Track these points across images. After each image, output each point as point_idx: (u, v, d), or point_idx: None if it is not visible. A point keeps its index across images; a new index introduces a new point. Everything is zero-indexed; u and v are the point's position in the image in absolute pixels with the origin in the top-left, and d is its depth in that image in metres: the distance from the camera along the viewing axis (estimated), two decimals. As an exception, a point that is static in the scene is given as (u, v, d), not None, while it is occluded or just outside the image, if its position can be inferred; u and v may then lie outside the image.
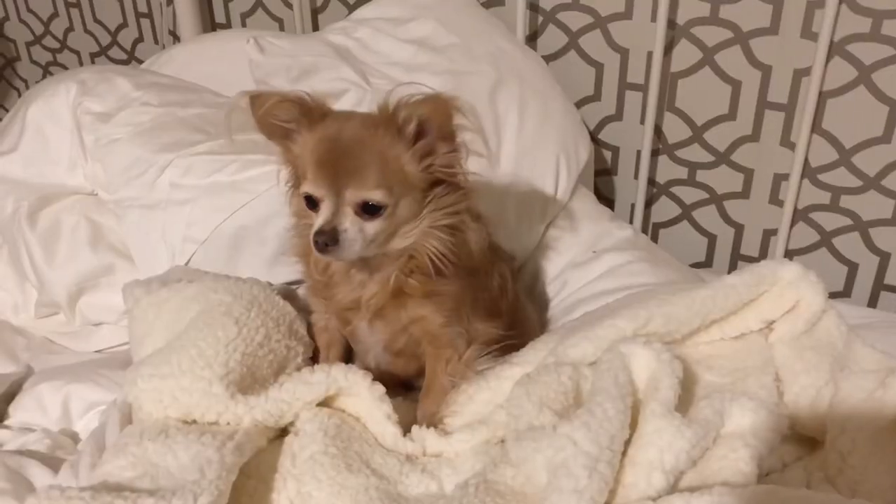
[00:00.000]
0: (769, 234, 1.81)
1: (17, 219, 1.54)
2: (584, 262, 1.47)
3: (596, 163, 1.85)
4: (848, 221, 1.71)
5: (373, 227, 1.02)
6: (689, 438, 0.89)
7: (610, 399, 0.90)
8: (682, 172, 1.85)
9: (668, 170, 1.86)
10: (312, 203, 1.04)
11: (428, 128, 1.01)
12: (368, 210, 1.01)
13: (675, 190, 1.88)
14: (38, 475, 1.12)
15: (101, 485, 0.85)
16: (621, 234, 1.54)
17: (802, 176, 1.69)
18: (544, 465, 0.85)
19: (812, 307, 1.12)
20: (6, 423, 1.28)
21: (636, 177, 1.87)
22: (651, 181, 1.88)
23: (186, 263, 1.44)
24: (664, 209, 1.91)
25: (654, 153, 1.84)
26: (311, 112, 1.05)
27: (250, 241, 1.43)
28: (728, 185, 1.81)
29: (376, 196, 1.00)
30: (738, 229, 1.85)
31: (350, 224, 1.00)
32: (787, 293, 1.12)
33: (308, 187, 1.03)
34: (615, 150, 1.90)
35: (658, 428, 0.90)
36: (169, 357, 1.04)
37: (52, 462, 1.15)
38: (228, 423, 1.01)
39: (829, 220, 1.73)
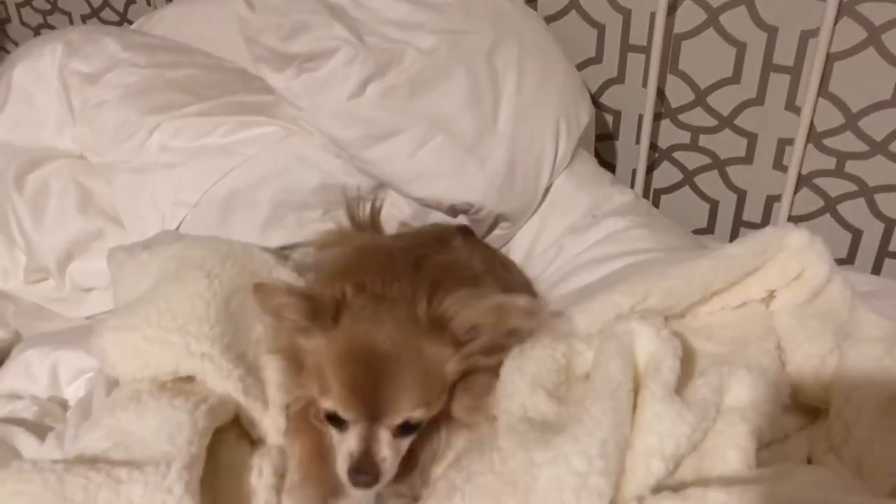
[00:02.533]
0: (772, 200, 1.78)
1: (3, 182, 1.50)
2: (584, 227, 1.43)
3: (597, 127, 1.81)
4: (853, 187, 1.67)
5: (408, 442, 0.90)
6: (689, 423, 0.85)
7: (598, 400, 0.86)
8: (685, 137, 1.81)
9: (670, 134, 1.82)
10: (337, 422, 0.90)
11: (484, 332, 0.91)
12: (405, 429, 0.89)
13: (678, 155, 1.84)
14: (26, 443, 1.10)
15: (76, 458, 0.83)
16: (622, 199, 1.51)
17: (807, 141, 1.65)
18: (533, 476, 0.82)
19: (818, 276, 1.08)
20: (-7, 390, 1.26)
21: (638, 141, 1.83)
22: (653, 146, 1.84)
23: (177, 228, 1.41)
24: (666, 175, 1.87)
25: (657, 117, 1.80)
26: (322, 312, 0.91)
27: (242, 204, 1.40)
28: (731, 150, 1.77)
29: (418, 415, 0.88)
30: (741, 195, 1.81)
31: (388, 450, 0.87)
32: (792, 262, 1.08)
33: (334, 406, 0.88)
34: (616, 114, 1.86)
35: (658, 413, 0.86)
36: (137, 310, 1.03)
37: (39, 430, 1.14)
38: (196, 381, 0.99)
39: (834, 186, 1.69)
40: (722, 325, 1.06)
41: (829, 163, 1.67)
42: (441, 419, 0.96)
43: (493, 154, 1.41)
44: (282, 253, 1.34)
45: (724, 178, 1.81)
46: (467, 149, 1.40)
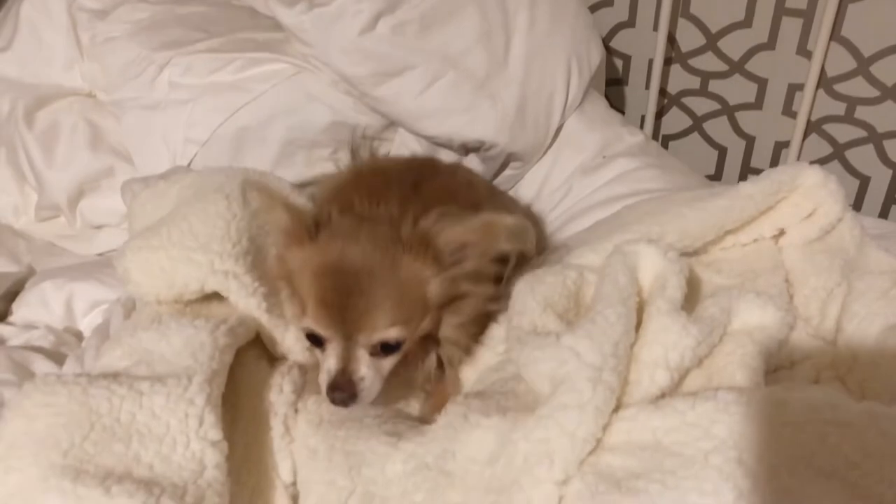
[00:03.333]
0: (781, 146, 1.78)
1: (13, 119, 1.50)
2: (594, 167, 1.44)
3: (607, 72, 1.80)
4: (862, 133, 1.67)
5: (390, 362, 0.90)
6: (694, 336, 0.87)
7: (610, 305, 0.88)
8: (695, 82, 1.80)
9: (680, 79, 1.81)
10: (316, 340, 0.90)
11: (471, 253, 0.88)
12: (385, 349, 0.88)
13: (687, 101, 1.84)
14: (43, 368, 1.12)
15: (99, 374, 0.85)
16: (633, 140, 1.51)
17: (818, 86, 1.64)
18: (548, 377, 0.84)
19: (829, 215, 1.08)
20: (9, 320, 1.27)
21: (647, 87, 1.82)
22: (662, 91, 1.83)
23: (188, 165, 1.41)
24: (675, 121, 1.87)
25: (667, 62, 1.79)
26: (304, 227, 0.89)
27: (252, 142, 1.41)
28: (741, 96, 1.76)
29: (393, 334, 0.87)
30: (750, 141, 1.81)
31: (367, 369, 0.87)
32: (805, 200, 1.08)
33: (310, 325, 0.88)
34: (627, 59, 1.85)
35: (663, 326, 0.88)
36: (159, 230, 1.04)
37: (56, 357, 1.15)
38: (213, 303, 1.00)
39: (843, 132, 1.69)
40: (732, 259, 1.07)
41: (839, 108, 1.66)
42: (431, 344, 0.96)
43: (504, 92, 1.40)
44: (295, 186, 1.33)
45: (733, 123, 1.81)
46: (478, 86, 1.39)
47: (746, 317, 0.91)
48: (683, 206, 1.09)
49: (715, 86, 1.78)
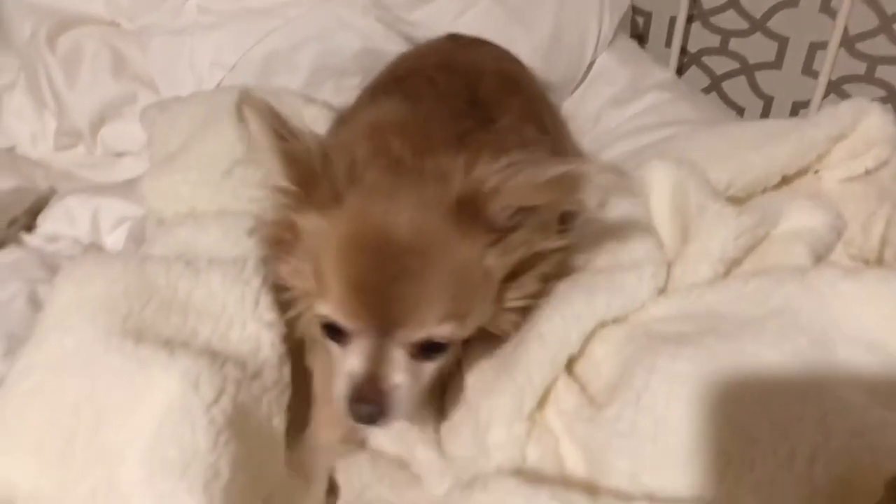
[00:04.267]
0: (799, 106, 1.78)
1: (35, 43, 1.48)
2: (625, 99, 1.45)
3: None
4: (882, 93, 1.68)
5: (433, 367, 0.70)
6: (733, 228, 0.87)
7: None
8: (715, 41, 1.81)
9: (700, 37, 1.82)
10: (335, 333, 0.69)
11: (532, 215, 0.68)
12: (429, 350, 0.68)
13: (706, 59, 1.84)
14: (75, 271, 1.10)
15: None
16: (663, 76, 1.52)
17: (840, 45, 1.65)
18: None
19: (879, 157, 1.07)
20: (35, 234, 1.25)
21: (668, 45, 1.82)
22: (682, 50, 1.84)
23: (214, 91, 1.40)
24: (693, 79, 1.87)
25: (688, 20, 1.79)
26: (323, 181, 0.68)
27: (281, 67, 1.40)
28: (761, 55, 1.77)
29: (444, 332, 0.67)
30: (768, 102, 1.82)
31: (403, 374, 0.67)
32: (860, 143, 1.07)
33: (331, 313, 0.67)
34: (647, 16, 1.85)
35: (697, 225, 0.89)
36: (176, 156, 1.05)
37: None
38: None
39: (863, 91, 1.69)
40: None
41: (860, 68, 1.68)
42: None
43: (538, 22, 1.41)
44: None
45: (752, 83, 1.81)
46: (514, 13, 1.39)
47: (796, 219, 0.92)
48: (750, 152, 1.05)
49: (735, 44, 1.79)
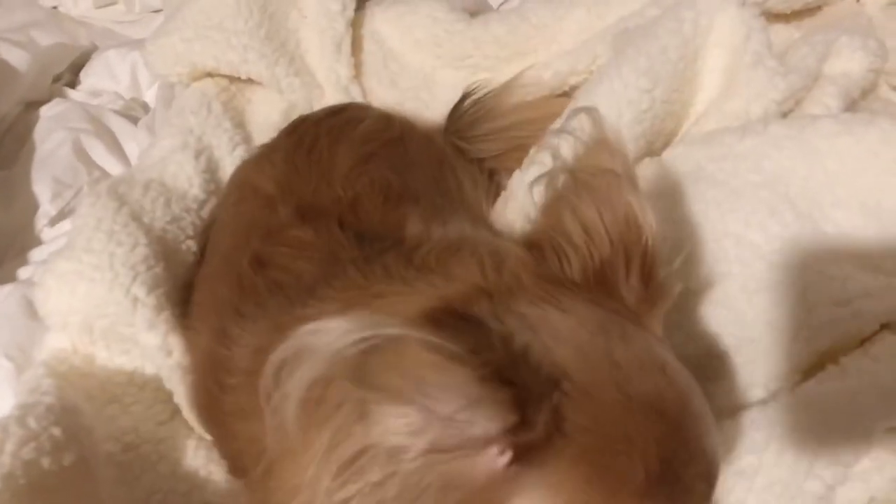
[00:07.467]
0: None
1: None
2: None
3: None
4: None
5: None
6: (781, 90, 0.85)
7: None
8: None
9: None
10: None
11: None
12: None
13: None
14: (116, 123, 1.15)
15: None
16: None
17: None
18: None
19: None
20: (78, 89, 1.28)
21: None
22: None
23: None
24: None
25: None
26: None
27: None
28: None
29: None
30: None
31: None
32: None
33: None
34: None
35: (748, 78, 0.86)
36: (173, 16, 1.09)
37: (128, 118, 1.18)
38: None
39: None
40: (813, 16, 1.04)
41: None
42: None
43: None
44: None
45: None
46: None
47: (834, 61, 0.88)
48: None
49: None
